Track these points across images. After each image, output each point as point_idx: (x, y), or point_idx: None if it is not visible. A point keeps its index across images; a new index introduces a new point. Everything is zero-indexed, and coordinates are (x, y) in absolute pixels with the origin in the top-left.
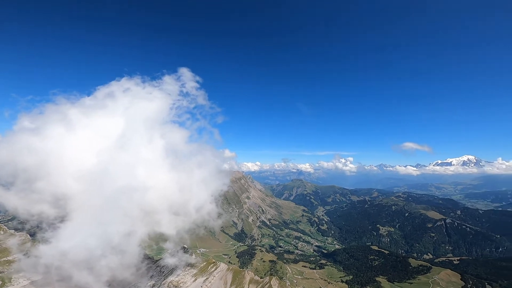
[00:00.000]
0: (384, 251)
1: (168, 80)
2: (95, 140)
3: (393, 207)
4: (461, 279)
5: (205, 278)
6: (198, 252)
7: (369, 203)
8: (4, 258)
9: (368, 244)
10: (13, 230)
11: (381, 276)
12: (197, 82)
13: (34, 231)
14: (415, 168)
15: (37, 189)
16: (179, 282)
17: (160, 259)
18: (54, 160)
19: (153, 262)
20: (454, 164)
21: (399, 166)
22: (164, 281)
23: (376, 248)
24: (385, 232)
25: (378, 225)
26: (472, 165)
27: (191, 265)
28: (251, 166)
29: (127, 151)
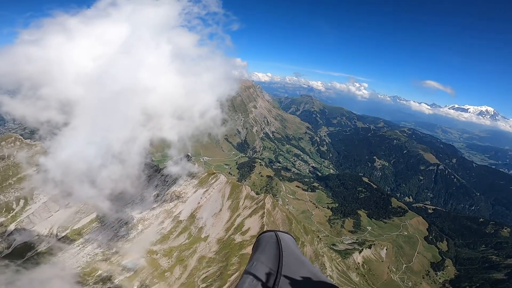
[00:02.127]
0: (373, 185)
1: None
2: (97, 47)
3: (394, 141)
4: (426, 229)
5: (205, 189)
6: (201, 160)
7: (372, 132)
8: (19, 175)
9: (360, 174)
10: (29, 140)
11: (362, 210)
12: None
13: (43, 140)
14: (429, 107)
15: (42, 95)
16: (181, 192)
17: (164, 167)
18: (56, 67)
19: (157, 170)
20: (470, 112)
21: (414, 101)
22: (168, 191)
23: (366, 180)
24: (379, 165)
25: (374, 157)
26: (488, 117)
27: (193, 176)
28: (262, 76)
29: (130, 56)
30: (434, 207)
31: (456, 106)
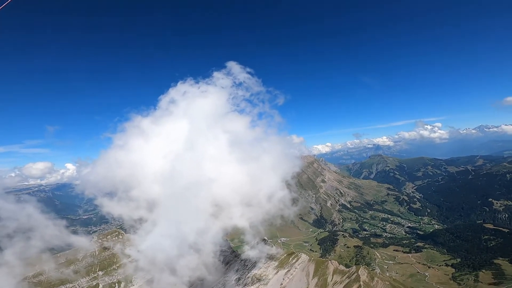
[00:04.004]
0: (503, 230)
1: (218, 76)
2: (167, 145)
3: (507, 175)
4: None
5: (286, 270)
6: (279, 242)
7: (473, 173)
8: (118, 264)
9: (479, 222)
10: (128, 234)
11: (500, 258)
12: (248, 72)
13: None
14: None
15: (133, 197)
16: (262, 275)
17: (242, 253)
18: (140, 169)
19: (236, 256)
20: None
21: (506, 125)
22: (248, 274)
23: (491, 226)
24: (501, 207)
25: (490, 199)
26: None
27: (271, 257)
28: (322, 148)
29: (194, 150)
30: None
31: None
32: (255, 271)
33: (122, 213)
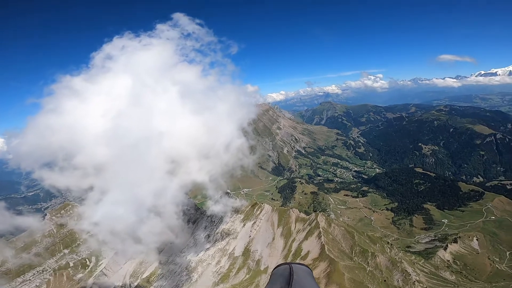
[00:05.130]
0: (430, 174)
1: (163, 28)
2: (109, 103)
3: (435, 122)
4: None
5: (252, 222)
6: (242, 193)
7: (407, 119)
8: (81, 239)
9: (411, 166)
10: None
11: (429, 203)
12: (198, 24)
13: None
14: (455, 80)
15: (77, 164)
16: (230, 229)
17: (207, 209)
18: (80, 133)
19: (202, 213)
20: (499, 74)
21: (436, 78)
22: (217, 230)
23: (420, 170)
24: (428, 151)
25: (420, 144)
26: None
27: (237, 210)
28: (276, 96)
29: (140, 105)
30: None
31: (483, 72)
32: (223, 226)
33: (68, 184)
